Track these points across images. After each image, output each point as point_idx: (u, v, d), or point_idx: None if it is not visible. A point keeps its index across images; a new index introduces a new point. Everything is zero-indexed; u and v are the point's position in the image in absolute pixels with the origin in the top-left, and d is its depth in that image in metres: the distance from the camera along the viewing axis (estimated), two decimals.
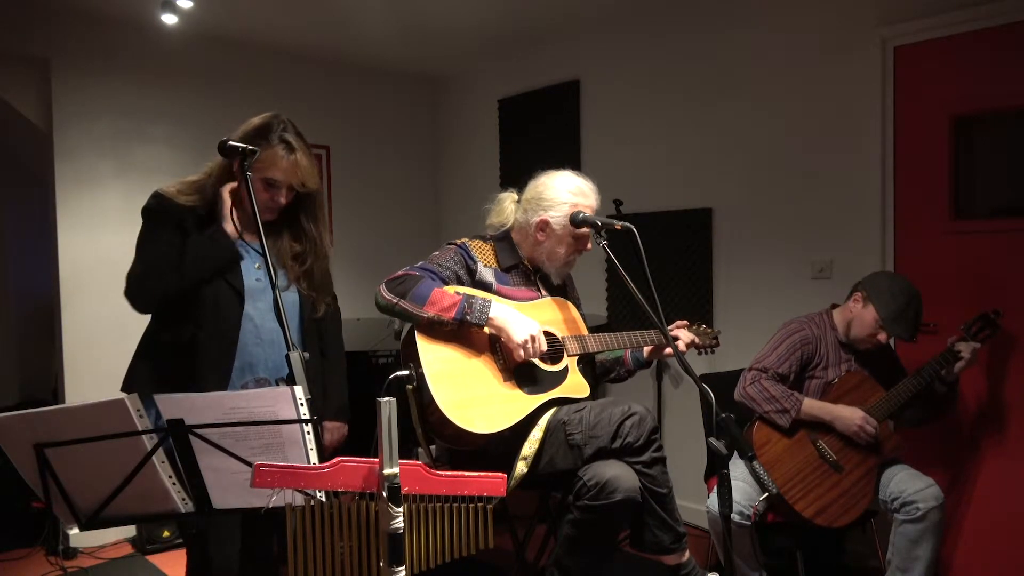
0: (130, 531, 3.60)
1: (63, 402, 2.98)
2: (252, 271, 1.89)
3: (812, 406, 2.43)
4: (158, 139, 3.78)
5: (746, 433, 2.45)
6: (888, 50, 2.90)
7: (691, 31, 3.53)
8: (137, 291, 1.83)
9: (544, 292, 2.22)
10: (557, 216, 2.09)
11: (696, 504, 3.29)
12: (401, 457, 1.23)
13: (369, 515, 1.28)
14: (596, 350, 2.18)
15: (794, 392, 2.45)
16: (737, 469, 2.37)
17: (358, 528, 1.29)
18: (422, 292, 1.93)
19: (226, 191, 1.85)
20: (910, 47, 2.86)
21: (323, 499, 1.30)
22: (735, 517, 2.27)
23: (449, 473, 1.30)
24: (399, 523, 1.21)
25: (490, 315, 1.94)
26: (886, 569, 2.40)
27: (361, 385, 2.32)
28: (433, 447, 2.03)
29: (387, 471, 1.20)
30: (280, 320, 1.57)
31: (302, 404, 1.36)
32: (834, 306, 2.64)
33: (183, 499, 1.40)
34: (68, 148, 3.52)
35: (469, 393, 1.92)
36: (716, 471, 1.66)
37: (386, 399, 1.20)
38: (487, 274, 2.11)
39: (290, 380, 1.46)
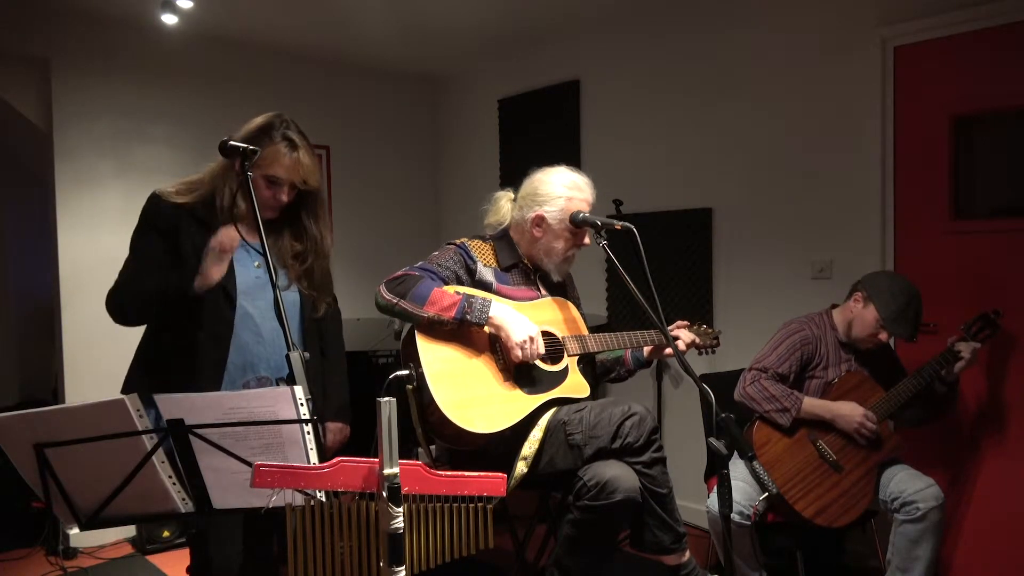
0: (130, 531, 3.60)
1: (63, 402, 2.97)
2: (251, 269, 1.89)
3: (812, 404, 2.43)
4: (158, 139, 3.78)
5: (746, 433, 2.45)
6: (888, 50, 2.90)
7: (691, 31, 3.52)
8: (112, 309, 1.85)
9: (544, 291, 2.22)
10: (552, 211, 2.09)
11: (696, 504, 3.29)
12: (401, 457, 1.23)
13: (369, 515, 1.28)
14: (596, 350, 2.18)
15: (794, 391, 2.45)
16: (737, 469, 2.37)
17: (358, 528, 1.29)
18: (422, 292, 1.93)
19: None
20: (910, 47, 2.86)
21: (323, 499, 1.30)
22: (735, 517, 2.27)
23: (449, 473, 1.30)
24: (399, 523, 1.21)
25: (490, 314, 1.94)
26: (886, 569, 2.40)
27: (361, 385, 2.32)
28: (433, 447, 2.03)
29: (387, 471, 1.20)
30: (280, 319, 1.57)
31: (302, 404, 1.36)
32: (834, 306, 2.64)
33: (183, 499, 1.40)
34: (68, 148, 3.52)
35: (469, 393, 1.92)
36: (716, 471, 1.66)
37: (386, 399, 1.20)
38: (487, 274, 2.11)
39: (290, 380, 1.46)
